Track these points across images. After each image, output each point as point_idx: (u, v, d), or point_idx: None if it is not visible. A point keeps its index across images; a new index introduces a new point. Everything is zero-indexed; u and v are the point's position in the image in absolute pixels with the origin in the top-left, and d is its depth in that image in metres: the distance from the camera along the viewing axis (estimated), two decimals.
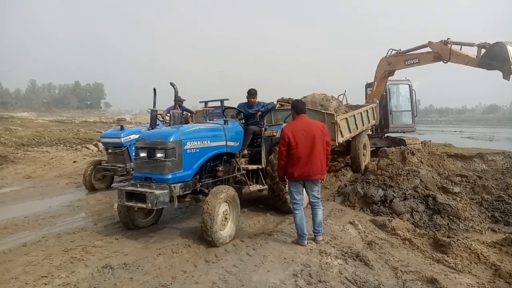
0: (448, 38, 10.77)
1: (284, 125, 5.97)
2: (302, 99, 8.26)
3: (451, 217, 5.66)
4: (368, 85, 13.85)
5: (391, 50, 12.25)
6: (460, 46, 10.73)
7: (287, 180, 4.60)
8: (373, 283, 3.43)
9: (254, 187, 5.81)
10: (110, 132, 8.48)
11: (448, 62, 10.94)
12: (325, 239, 4.64)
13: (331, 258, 4.00)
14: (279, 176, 4.70)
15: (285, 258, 4.01)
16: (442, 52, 11.06)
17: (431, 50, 11.39)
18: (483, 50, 10.05)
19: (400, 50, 12.07)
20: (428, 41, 11.39)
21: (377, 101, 11.82)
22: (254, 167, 5.86)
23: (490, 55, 9.82)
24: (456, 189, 6.60)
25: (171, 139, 4.47)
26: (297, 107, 4.60)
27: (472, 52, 10.45)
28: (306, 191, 4.59)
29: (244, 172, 5.69)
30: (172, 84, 5.74)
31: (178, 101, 6.06)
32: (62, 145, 15.22)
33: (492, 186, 7.41)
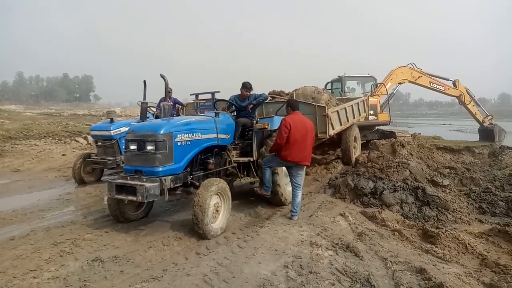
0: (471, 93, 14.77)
1: (276, 117, 6.03)
2: (294, 92, 8.27)
3: (439, 208, 5.73)
4: (336, 80, 13.93)
5: (412, 64, 14.18)
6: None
7: (278, 158, 5.17)
8: (363, 273, 3.47)
9: (246, 180, 5.81)
10: (100, 124, 8.39)
11: (462, 104, 14.83)
12: (316, 230, 4.67)
13: (321, 250, 4.02)
14: (271, 151, 5.32)
15: (276, 250, 4.02)
16: (465, 96, 14.51)
17: (456, 88, 14.56)
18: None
19: (421, 69, 14.20)
20: (457, 79, 14.69)
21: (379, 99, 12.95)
22: (246, 159, 5.85)
23: (485, 133, 14.44)
24: (446, 182, 6.68)
25: (162, 132, 4.43)
26: (293, 105, 5.35)
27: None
28: (290, 177, 5.34)
29: (235, 164, 5.68)
30: (162, 76, 5.68)
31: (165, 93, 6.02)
32: (50, 138, 15.00)
33: (480, 178, 7.53)
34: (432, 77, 14.31)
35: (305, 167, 5.32)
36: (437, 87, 14.35)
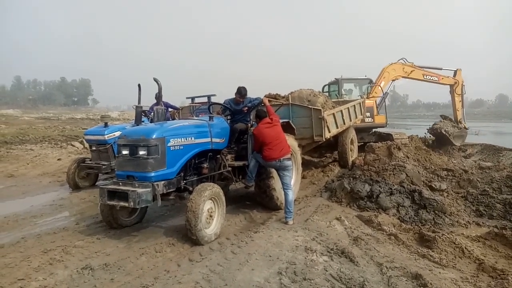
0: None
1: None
2: (289, 95, 8.22)
3: (436, 211, 5.67)
4: (333, 83, 13.90)
5: (403, 59, 13.94)
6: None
7: (263, 159, 5.37)
8: (358, 280, 3.41)
9: (241, 184, 5.74)
10: (94, 129, 8.30)
11: (451, 92, 14.61)
12: (311, 235, 4.61)
13: (316, 255, 3.96)
14: (255, 150, 5.52)
15: (270, 256, 3.96)
16: (460, 84, 14.37)
17: (451, 76, 14.42)
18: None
19: (413, 63, 13.95)
20: (459, 68, 14.54)
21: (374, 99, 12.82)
22: (240, 163, 5.78)
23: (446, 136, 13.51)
24: (443, 186, 6.63)
25: (154, 136, 4.37)
26: (259, 115, 5.62)
27: None
28: (279, 178, 5.50)
29: (230, 168, 5.62)
30: (155, 80, 5.61)
31: (157, 98, 5.96)
32: (47, 143, 14.89)
33: (477, 180, 7.47)
34: (425, 69, 14.18)
35: (290, 168, 5.53)
36: (431, 78, 14.18)
